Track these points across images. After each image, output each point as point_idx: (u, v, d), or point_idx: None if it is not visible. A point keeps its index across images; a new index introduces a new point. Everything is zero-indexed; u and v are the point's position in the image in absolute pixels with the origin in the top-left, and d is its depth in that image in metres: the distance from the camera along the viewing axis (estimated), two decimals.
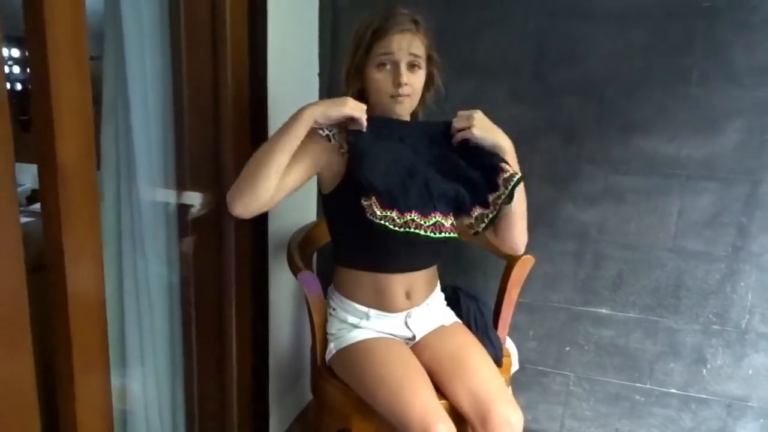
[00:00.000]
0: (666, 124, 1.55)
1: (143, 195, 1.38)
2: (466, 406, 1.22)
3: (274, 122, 1.58)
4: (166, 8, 1.34)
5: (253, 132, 1.56)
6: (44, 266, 1.02)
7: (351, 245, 1.31)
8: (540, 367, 1.79)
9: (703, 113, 1.52)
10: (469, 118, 1.23)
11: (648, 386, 1.71)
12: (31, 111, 0.97)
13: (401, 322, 1.32)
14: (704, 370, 1.66)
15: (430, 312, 1.36)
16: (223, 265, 1.61)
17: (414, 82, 1.24)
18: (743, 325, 1.60)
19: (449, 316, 1.41)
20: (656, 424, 1.72)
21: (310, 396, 1.68)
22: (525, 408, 1.78)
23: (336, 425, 1.40)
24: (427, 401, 1.16)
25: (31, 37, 0.93)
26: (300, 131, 1.15)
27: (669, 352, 1.67)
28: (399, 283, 1.28)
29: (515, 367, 1.47)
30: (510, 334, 1.60)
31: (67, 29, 0.95)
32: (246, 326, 1.65)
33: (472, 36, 1.66)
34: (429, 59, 1.29)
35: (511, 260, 1.50)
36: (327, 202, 1.31)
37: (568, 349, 1.75)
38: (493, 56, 1.65)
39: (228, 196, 1.18)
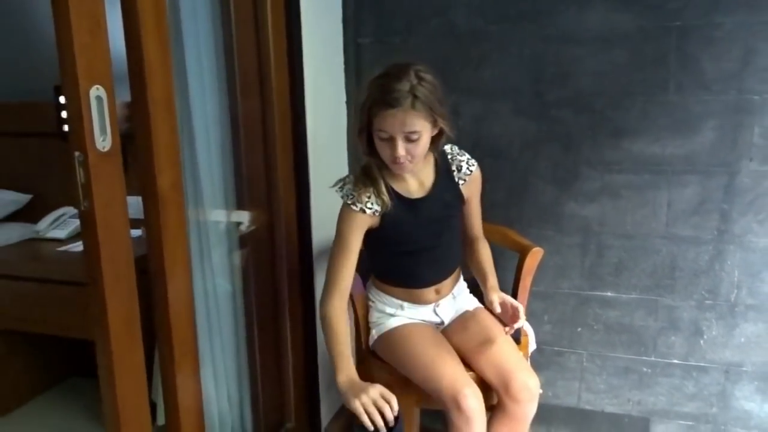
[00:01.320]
0: (650, 128, 1.79)
1: (208, 215, 1.66)
2: (490, 376, 1.46)
3: (313, 147, 1.85)
4: (223, 61, 1.63)
5: (296, 158, 1.84)
6: (145, 271, 1.30)
7: (384, 270, 1.59)
8: (556, 348, 2.02)
9: (681, 117, 1.76)
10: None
11: (653, 359, 1.93)
12: (128, 153, 1.25)
13: (431, 310, 1.57)
14: (701, 341, 1.87)
15: (455, 301, 1.62)
16: (275, 271, 1.89)
17: (412, 149, 1.34)
18: (732, 299, 1.82)
19: (473, 302, 1.66)
20: (663, 392, 1.94)
21: None
22: (545, 385, 2.03)
23: None
24: (455, 371, 1.41)
25: (136, 97, 1.21)
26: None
27: (669, 327, 1.89)
28: (428, 288, 1.55)
29: (533, 346, 1.69)
30: (527, 319, 1.84)
31: (160, 87, 1.24)
32: (297, 325, 1.92)
33: (477, 64, 1.91)
34: (435, 121, 1.37)
35: (523, 253, 1.74)
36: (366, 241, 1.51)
37: (579, 330, 1.99)
38: (497, 80, 1.91)
39: (321, 309, 1.46)
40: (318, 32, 1.88)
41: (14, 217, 2.57)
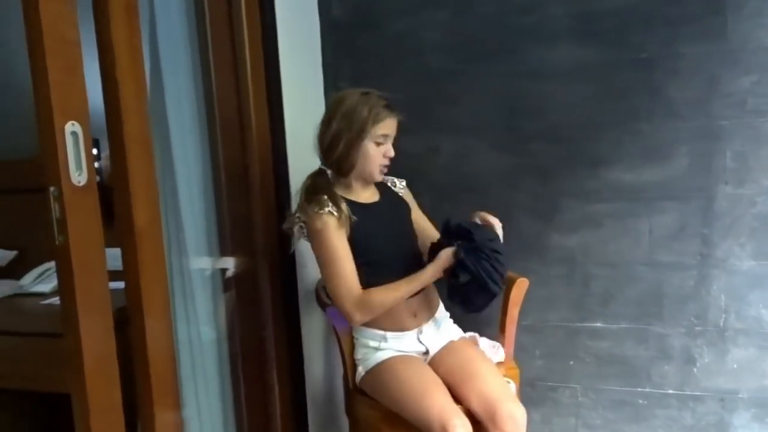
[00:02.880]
0: (624, 157, 1.82)
1: (191, 260, 1.66)
2: (476, 407, 1.43)
3: (295, 190, 1.86)
4: (203, 108, 1.67)
5: (278, 201, 1.85)
6: (126, 323, 1.29)
7: (361, 278, 1.56)
8: (549, 383, 1.99)
9: (654, 144, 1.80)
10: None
11: (647, 390, 1.89)
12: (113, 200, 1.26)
13: (414, 338, 1.55)
14: (694, 369, 1.84)
15: (439, 330, 1.60)
16: (260, 314, 1.86)
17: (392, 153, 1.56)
18: (721, 324, 1.81)
19: (458, 333, 1.64)
20: (660, 425, 1.89)
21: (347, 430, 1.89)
22: (540, 423, 1.98)
23: None
24: (443, 403, 1.39)
25: (112, 133, 1.23)
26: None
27: (661, 356, 1.87)
28: (404, 306, 1.52)
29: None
30: (518, 354, 1.82)
31: (136, 125, 1.26)
32: (284, 364, 1.88)
33: (452, 102, 1.97)
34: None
35: (508, 285, 1.73)
36: None
37: (571, 363, 1.95)
38: (472, 117, 1.95)
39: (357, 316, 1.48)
40: (297, 77, 1.93)
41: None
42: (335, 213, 1.46)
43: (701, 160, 1.76)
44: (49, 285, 2.24)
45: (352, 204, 1.52)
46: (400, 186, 1.70)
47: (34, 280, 2.29)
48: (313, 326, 1.96)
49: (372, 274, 1.50)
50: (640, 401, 1.90)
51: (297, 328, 1.91)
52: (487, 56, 1.92)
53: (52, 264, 2.32)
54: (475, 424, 1.43)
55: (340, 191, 1.54)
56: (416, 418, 1.40)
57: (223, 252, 1.79)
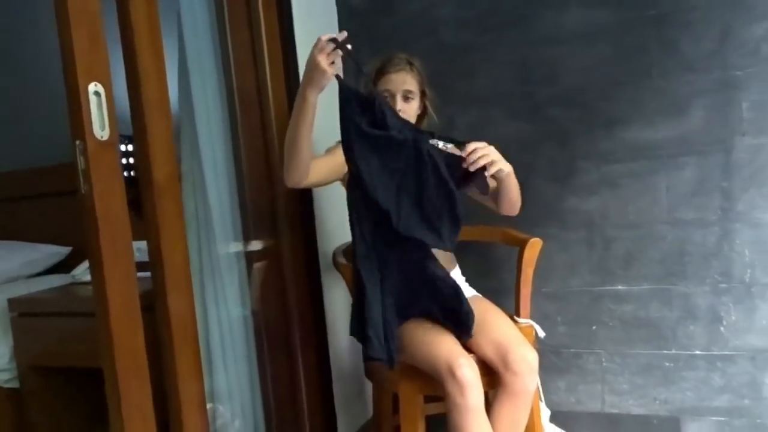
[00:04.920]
0: (640, 115, 1.82)
1: (218, 241, 1.76)
2: (489, 352, 1.46)
3: None
4: (227, 104, 1.78)
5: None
6: (150, 307, 1.37)
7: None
8: (573, 350, 1.97)
9: (669, 100, 1.78)
10: (487, 153, 1.38)
11: (674, 352, 1.86)
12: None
13: None
14: (722, 328, 1.80)
15: None
16: (284, 289, 1.94)
17: (407, 109, 1.61)
18: (747, 280, 1.76)
19: (471, 292, 1.67)
20: (690, 388, 1.85)
21: (371, 411, 1.94)
22: (566, 391, 1.97)
23: (388, 393, 1.66)
24: (451, 347, 1.42)
25: (133, 96, 1.34)
26: (312, 103, 1.38)
27: (686, 316, 1.83)
28: None
29: (541, 333, 1.66)
30: (541, 322, 1.82)
31: (154, 89, 1.37)
32: (309, 336, 1.94)
33: (469, 75, 2.01)
34: (423, 93, 1.66)
35: (522, 246, 1.75)
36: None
37: (595, 328, 1.94)
38: (488, 88, 1.99)
39: (285, 172, 1.47)
40: None
41: (57, 269, 2.76)
42: None
43: (717, 113, 1.74)
44: None
45: None
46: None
47: (85, 270, 2.47)
48: (335, 297, 2.02)
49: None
50: (667, 364, 1.87)
51: (320, 300, 1.97)
52: (499, 27, 1.96)
53: None
54: (490, 374, 1.46)
55: None
56: (427, 363, 1.43)
57: (247, 230, 1.88)
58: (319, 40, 1.32)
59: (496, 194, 1.55)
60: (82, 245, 2.85)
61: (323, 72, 1.31)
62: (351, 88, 1.38)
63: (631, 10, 1.79)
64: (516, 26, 1.93)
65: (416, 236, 1.35)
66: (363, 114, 1.36)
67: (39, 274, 2.72)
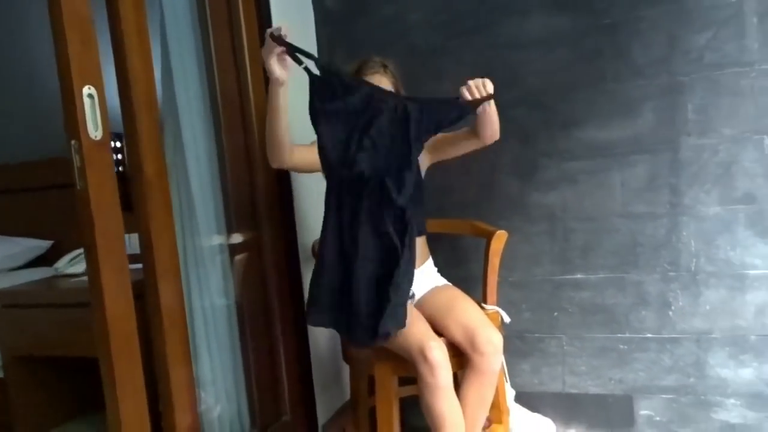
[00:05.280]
0: (595, 116, 1.96)
1: (203, 234, 1.85)
2: (457, 336, 1.59)
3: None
4: (208, 97, 1.86)
5: (278, 175, 2.02)
6: (141, 296, 1.46)
7: None
8: (536, 335, 2.12)
9: (622, 102, 1.93)
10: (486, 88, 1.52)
11: (627, 335, 2.01)
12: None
13: None
14: (670, 313, 1.96)
15: (424, 277, 1.76)
16: (265, 279, 2.04)
17: None
18: (693, 268, 1.92)
19: (442, 281, 1.79)
20: (642, 368, 2.01)
21: (348, 394, 2.05)
22: (530, 373, 2.12)
23: (364, 375, 1.78)
24: (423, 331, 1.55)
25: (123, 96, 1.43)
26: (276, 96, 1.53)
27: (639, 302, 1.99)
28: None
29: (507, 319, 1.80)
30: (506, 309, 1.95)
31: (143, 90, 1.46)
32: (288, 323, 2.05)
33: (438, 77, 2.13)
34: (398, 93, 1.76)
35: (489, 238, 1.88)
36: None
37: (556, 314, 2.08)
38: (456, 89, 2.10)
39: (268, 154, 1.63)
40: (293, 65, 2.12)
41: (37, 262, 2.81)
42: None
43: (665, 115, 1.90)
44: (80, 267, 2.46)
45: None
46: None
47: (68, 263, 2.52)
48: None
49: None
50: (622, 346, 2.02)
51: (300, 290, 2.08)
52: (467, 32, 2.08)
53: (81, 250, 2.54)
54: (459, 356, 1.58)
55: None
56: (401, 347, 1.55)
57: (230, 223, 1.98)
58: (266, 40, 1.46)
59: (476, 130, 1.67)
60: (62, 239, 2.92)
61: (271, 71, 1.48)
62: (314, 73, 1.50)
63: (588, 18, 1.94)
64: (482, 32, 2.06)
65: (366, 173, 1.44)
66: (328, 90, 1.47)
67: (19, 268, 2.76)
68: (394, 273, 1.43)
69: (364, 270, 1.46)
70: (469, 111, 1.52)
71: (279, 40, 1.46)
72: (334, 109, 1.48)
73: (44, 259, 2.81)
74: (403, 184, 1.44)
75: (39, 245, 2.84)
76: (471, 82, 1.51)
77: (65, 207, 2.74)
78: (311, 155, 1.63)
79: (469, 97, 1.50)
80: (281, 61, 1.48)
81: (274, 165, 1.65)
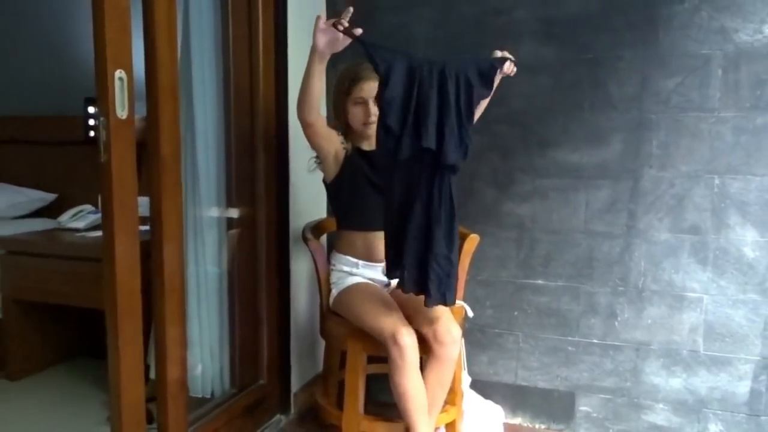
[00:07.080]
0: (570, 140, 2.17)
1: (204, 207, 2.04)
2: (423, 327, 1.78)
3: (293, 152, 2.23)
4: (221, 78, 2.04)
5: (278, 160, 2.21)
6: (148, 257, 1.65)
7: (347, 214, 1.94)
8: (496, 330, 2.34)
9: (594, 131, 2.14)
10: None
11: (576, 339, 2.24)
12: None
13: (380, 271, 1.91)
14: (616, 323, 2.18)
15: None
16: (256, 254, 2.23)
17: (377, 112, 1.76)
18: (640, 285, 2.15)
19: None
20: (585, 369, 2.23)
21: (321, 367, 2.25)
22: (487, 364, 2.33)
23: (337, 351, 1.99)
24: (396, 319, 1.74)
25: (149, 83, 1.61)
26: (312, 63, 1.72)
27: (589, 310, 2.21)
28: (379, 240, 1.85)
29: (470, 313, 2.01)
30: (472, 305, 2.16)
31: (167, 78, 1.63)
32: (273, 297, 2.24)
33: None
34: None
35: (463, 240, 2.08)
36: (330, 188, 1.95)
37: (516, 314, 2.30)
38: None
39: (297, 107, 1.81)
40: (303, 58, 2.30)
41: (40, 213, 2.95)
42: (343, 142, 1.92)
43: (632, 147, 2.11)
44: (83, 222, 2.61)
45: (355, 148, 1.93)
46: None
47: (71, 218, 2.67)
48: (300, 267, 2.32)
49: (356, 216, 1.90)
50: (570, 348, 2.25)
51: (287, 268, 2.27)
52: (463, 50, 2.26)
53: (86, 206, 2.71)
54: (423, 343, 1.77)
55: (351, 139, 1.94)
56: (374, 329, 1.75)
57: (230, 200, 2.17)
58: (317, 19, 1.67)
59: None
60: (66, 193, 3.06)
61: (316, 43, 1.69)
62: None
63: (572, 51, 2.13)
64: (477, 51, 2.24)
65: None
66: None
67: (22, 217, 2.89)
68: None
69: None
70: (497, 64, 1.75)
71: (348, 32, 1.66)
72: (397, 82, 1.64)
73: (46, 210, 2.96)
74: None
75: (43, 197, 2.97)
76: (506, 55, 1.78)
77: (72, 163, 2.94)
78: (326, 131, 1.86)
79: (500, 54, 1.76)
80: (327, 36, 1.67)
81: (299, 116, 1.81)
